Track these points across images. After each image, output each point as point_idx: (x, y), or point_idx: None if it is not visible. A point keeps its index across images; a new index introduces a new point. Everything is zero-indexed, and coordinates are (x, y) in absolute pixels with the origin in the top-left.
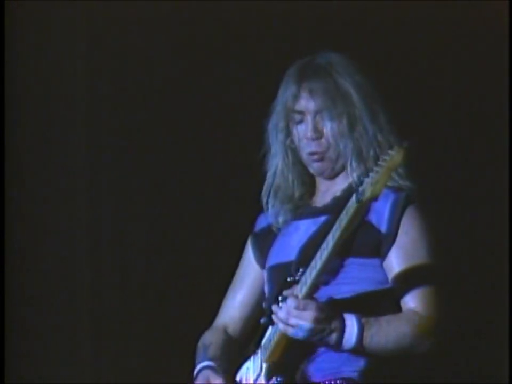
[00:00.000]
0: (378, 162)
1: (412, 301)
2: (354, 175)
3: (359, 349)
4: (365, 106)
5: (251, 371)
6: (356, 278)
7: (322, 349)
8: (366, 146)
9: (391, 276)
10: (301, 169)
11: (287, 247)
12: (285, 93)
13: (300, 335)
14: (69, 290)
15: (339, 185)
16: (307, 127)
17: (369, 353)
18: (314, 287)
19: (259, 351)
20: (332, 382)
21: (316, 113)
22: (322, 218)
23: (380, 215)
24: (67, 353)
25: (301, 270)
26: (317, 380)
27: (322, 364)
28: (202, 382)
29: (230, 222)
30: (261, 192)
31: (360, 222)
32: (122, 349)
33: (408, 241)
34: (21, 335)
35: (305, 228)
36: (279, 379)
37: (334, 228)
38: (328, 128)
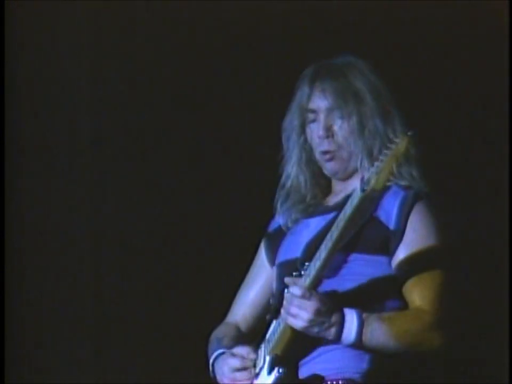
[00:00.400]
0: (384, 151)
1: (414, 288)
2: (365, 174)
3: (359, 345)
4: (377, 106)
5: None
6: (359, 274)
7: (325, 348)
8: (377, 146)
9: (395, 265)
10: (316, 170)
11: (296, 244)
12: (300, 92)
13: (299, 324)
14: (70, 290)
15: (352, 187)
16: (319, 125)
17: (370, 350)
18: (318, 279)
19: (263, 345)
20: (334, 382)
21: (328, 111)
22: (331, 215)
23: (389, 212)
24: (68, 353)
25: (306, 264)
26: (319, 381)
27: (325, 363)
28: (221, 366)
29: (242, 222)
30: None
31: (367, 216)
32: (125, 349)
33: (416, 238)
34: (21, 335)
35: (314, 225)
36: (280, 370)
37: (338, 219)
38: (339, 126)
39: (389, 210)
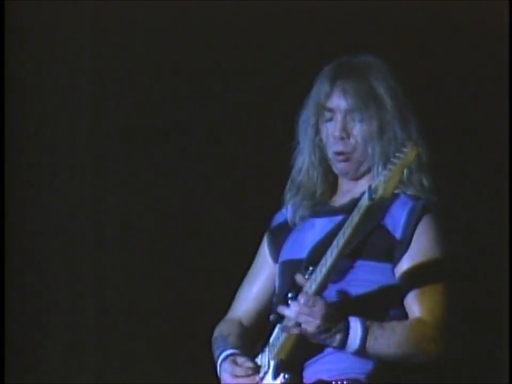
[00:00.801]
0: (392, 160)
1: (416, 302)
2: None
3: (362, 352)
4: (397, 112)
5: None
6: (364, 281)
7: (330, 349)
8: (393, 152)
9: (398, 275)
10: (326, 167)
11: (301, 244)
12: (318, 89)
13: (308, 331)
14: (70, 290)
15: (361, 187)
16: (336, 125)
17: (371, 357)
18: (323, 286)
19: (267, 349)
20: (339, 383)
21: (347, 112)
22: (338, 218)
23: (396, 221)
24: (68, 353)
25: (311, 268)
26: (324, 380)
27: (330, 364)
28: (229, 368)
29: (245, 217)
30: (279, 188)
31: (374, 223)
32: (125, 349)
33: (421, 249)
34: (21, 335)
35: (320, 226)
36: (286, 376)
37: (345, 225)
38: (357, 129)
39: (396, 220)
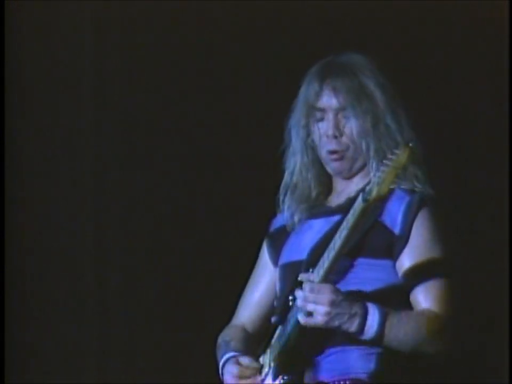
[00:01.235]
0: (385, 161)
1: (423, 297)
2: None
3: (379, 338)
4: (388, 107)
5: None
6: (365, 279)
7: (331, 350)
8: (387, 147)
9: (401, 273)
10: (319, 168)
11: (299, 246)
12: (307, 90)
13: (319, 320)
14: (71, 289)
15: (355, 186)
16: (328, 124)
17: (385, 345)
18: None
19: (268, 350)
20: (341, 383)
21: (338, 111)
22: (335, 218)
23: (394, 217)
24: (68, 353)
25: (310, 270)
26: (325, 380)
27: (331, 364)
28: (232, 368)
29: (244, 222)
30: (277, 192)
31: (371, 221)
32: (127, 351)
33: (421, 243)
34: (21, 335)
35: (318, 227)
36: (285, 378)
37: (341, 227)
38: (350, 126)
39: (394, 215)
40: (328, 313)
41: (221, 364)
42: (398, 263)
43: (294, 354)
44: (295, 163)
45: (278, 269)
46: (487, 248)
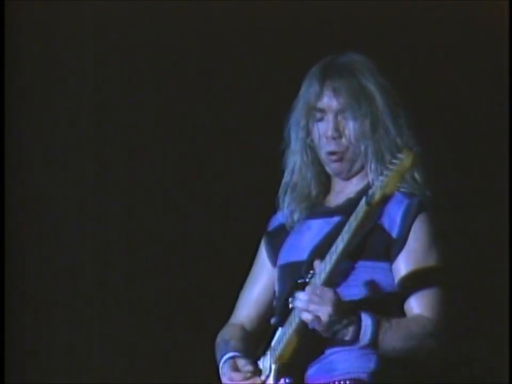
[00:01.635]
0: (388, 166)
1: (416, 305)
2: (372, 177)
3: (373, 345)
4: (388, 108)
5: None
6: (366, 281)
7: (331, 350)
8: (385, 149)
9: (397, 279)
10: (319, 167)
11: (299, 246)
12: (308, 90)
13: (321, 322)
14: (71, 289)
15: (354, 186)
16: (328, 125)
17: (379, 352)
18: None
19: (268, 352)
20: (342, 383)
21: (338, 112)
22: (335, 219)
23: (392, 220)
24: (68, 353)
25: (311, 271)
26: (326, 381)
27: (332, 364)
28: (229, 372)
29: (243, 221)
30: (276, 192)
31: (371, 224)
32: (127, 351)
33: (418, 247)
34: (21, 335)
35: (317, 228)
36: (287, 380)
37: (344, 230)
38: (350, 127)
39: (392, 218)
40: (330, 315)
41: (220, 364)
42: (394, 266)
43: (295, 355)
44: (294, 162)
45: (277, 269)
46: (486, 253)
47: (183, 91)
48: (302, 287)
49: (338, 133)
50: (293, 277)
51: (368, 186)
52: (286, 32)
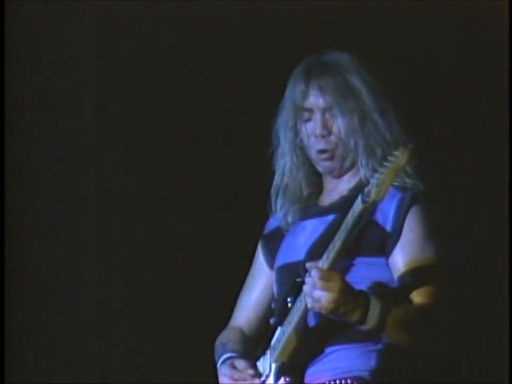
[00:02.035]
0: (384, 163)
1: (416, 298)
2: (364, 172)
3: (379, 329)
4: (375, 103)
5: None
6: (364, 277)
7: (331, 348)
8: (375, 143)
9: (396, 274)
10: (309, 168)
11: (294, 247)
12: (293, 90)
13: (326, 306)
14: (71, 289)
15: (346, 184)
16: (316, 124)
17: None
18: None
19: (268, 352)
20: (343, 381)
21: (325, 110)
22: (330, 218)
23: (386, 214)
24: (68, 353)
25: (309, 271)
26: (327, 379)
27: (332, 363)
28: (227, 371)
29: (240, 225)
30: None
31: (366, 220)
32: (127, 353)
33: (413, 239)
34: (21, 335)
35: (312, 228)
36: (287, 379)
37: (341, 229)
38: (338, 124)
39: (386, 213)
40: (336, 301)
41: (218, 365)
42: (390, 260)
43: (295, 354)
44: (284, 164)
45: (274, 272)
46: (483, 245)
47: (178, 94)
48: (300, 286)
49: (327, 131)
50: (291, 278)
51: (360, 183)
52: (273, 33)
